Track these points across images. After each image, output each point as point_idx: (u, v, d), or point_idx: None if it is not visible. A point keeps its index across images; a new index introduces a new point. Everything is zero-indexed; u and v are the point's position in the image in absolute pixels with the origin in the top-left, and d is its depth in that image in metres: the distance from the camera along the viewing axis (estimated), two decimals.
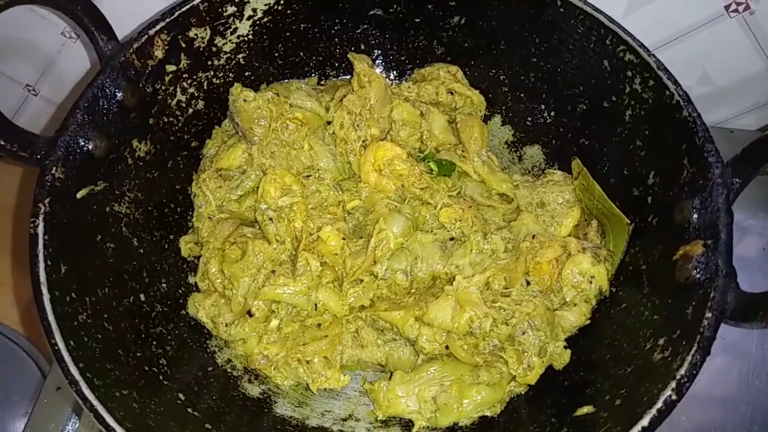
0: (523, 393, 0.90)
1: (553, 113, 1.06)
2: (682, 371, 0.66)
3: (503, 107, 1.12)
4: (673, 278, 0.76)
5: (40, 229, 0.75)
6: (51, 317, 0.71)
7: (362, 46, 1.11)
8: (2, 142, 0.75)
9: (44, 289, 0.72)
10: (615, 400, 0.74)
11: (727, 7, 1.08)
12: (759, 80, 1.20)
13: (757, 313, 0.66)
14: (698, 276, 0.72)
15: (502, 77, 1.09)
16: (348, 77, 1.11)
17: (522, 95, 1.09)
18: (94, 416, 0.67)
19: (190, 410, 0.81)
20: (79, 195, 0.82)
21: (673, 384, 0.66)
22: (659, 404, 0.65)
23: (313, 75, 1.12)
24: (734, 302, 0.68)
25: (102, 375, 0.72)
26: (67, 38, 1.20)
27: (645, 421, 0.65)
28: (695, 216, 0.76)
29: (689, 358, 0.67)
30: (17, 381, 1.15)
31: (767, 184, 1.14)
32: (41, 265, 0.73)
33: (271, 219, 0.92)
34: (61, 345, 0.69)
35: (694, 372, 0.66)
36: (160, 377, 0.82)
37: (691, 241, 0.75)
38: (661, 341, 0.74)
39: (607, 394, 0.76)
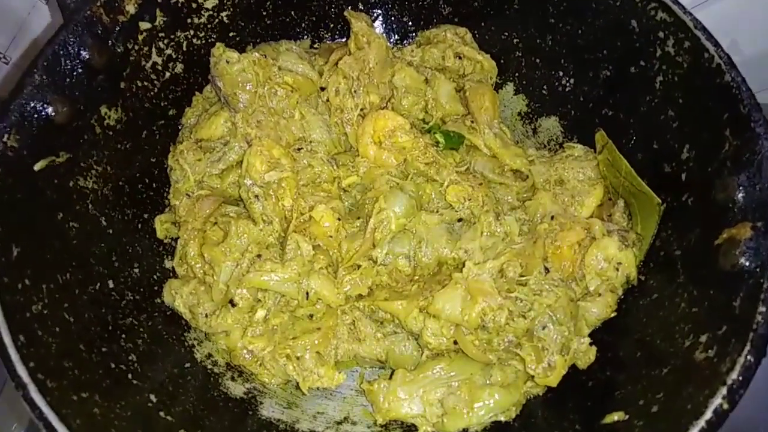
0: (541, 395, 0.87)
1: (572, 81, 1.02)
2: (734, 375, 0.61)
3: (516, 74, 1.09)
4: (715, 265, 0.71)
5: None
6: None
7: (360, 5, 1.07)
8: None
9: None
10: (651, 407, 0.70)
11: None
12: None
13: None
14: (747, 263, 0.67)
15: (515, 40, 1.05)
16: (345, 40, 1.05)
17: (538, 61, 1.06)
18: (44, 426, 0.60)
19: (162, 414, 0.77)
20: (36, 167, 0.76)
21: (724, 390, 0.61)
22: (708, 414, 0.60)
23: (306, 37, 1.08)
24: None
25: (57, 375, 0.66)
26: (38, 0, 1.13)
27: None
28: (741, 195, 0.71)
29: (741, 359, 0.61)
30: None
31: None
32: None
33: (257, 196, 0.87)
34: (7, 340, 0.63)
35: (749, 375, 0.60)
36: (129, 376, 0.78)
37: (737, 223, 0.70)
38: (703, 338, 0.69)
39: (641, 399, 0.72)
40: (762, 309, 0.63)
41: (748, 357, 0.62)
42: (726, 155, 0.74)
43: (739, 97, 0.73)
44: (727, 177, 0.74)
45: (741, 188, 0.71)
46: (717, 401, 0.60)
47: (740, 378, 0.60)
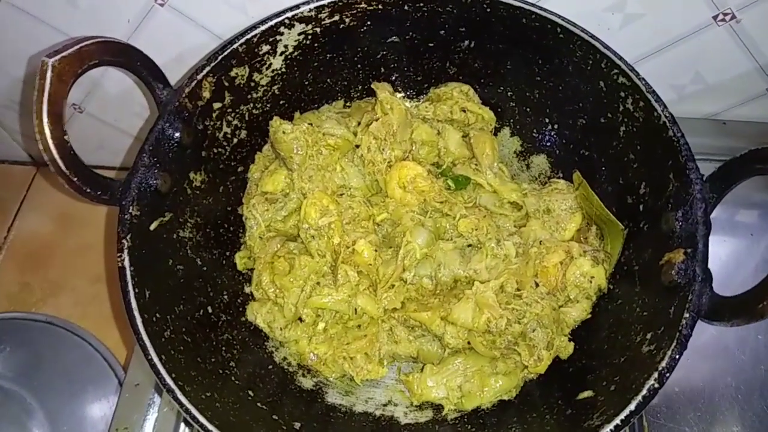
0: (534, 379, 0.97)
1: (556, 126, 1.11)
2: (664, 364, 0.73)
3: (511, 120, 1.17)
4: (659, 280, 0.82)
5: (126, 263, 0.81)
6: (145, 337, 0.78)
7: (382, 70, 1.15)
8: (89, 190, 0.82)
9: (137, 314, 0.79)
10: (611, 386, 0.81)
11: (715, 17, 1.12)
12: (748, 77, 1.26)
13: (725, 315, 0.74)
14: (679, 280, 0.78)
15: (509, 93, 1.14)
16: (370, 98, 1.17)
17: (528, 110, 1.14)
18: (190, 418, 0.75)
19: (259, 404, 0.89)
20: (151, 227, 0.89)
21: (656, 375, 0.73)
22: (644, 391, 0.73)
23: (339, 98, 1.17)
24: (708, 304, 0.74)
25: (189, 381, 0.79)
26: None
27: (632, 406, 0.73)
28: (678, 226, 0.82)
29: (669, 352, 0.74)
30: (94, 379, 1.26)
31: None
32: (131, 294, 0.80)
33: (313, 237, 1.00)
34: (156, 360, 0.77)
35: (673, 364, 0.73)
36: (232, 378, 0.90)
37: (674, 248, 0.81)
38: (648, 336, 0.80)
39: (605, 381, 0.83)
40: (687, 315, 0.74)
41: (675, 350, 0.73)
42: (669, 194, 0.85)
43: (678, 148, 0.84)
44: (669, 211, 0.84)
45: (678, 221, 0.82)
46: (651, 382, 0.73)
47: (668, 366, 0.73)
